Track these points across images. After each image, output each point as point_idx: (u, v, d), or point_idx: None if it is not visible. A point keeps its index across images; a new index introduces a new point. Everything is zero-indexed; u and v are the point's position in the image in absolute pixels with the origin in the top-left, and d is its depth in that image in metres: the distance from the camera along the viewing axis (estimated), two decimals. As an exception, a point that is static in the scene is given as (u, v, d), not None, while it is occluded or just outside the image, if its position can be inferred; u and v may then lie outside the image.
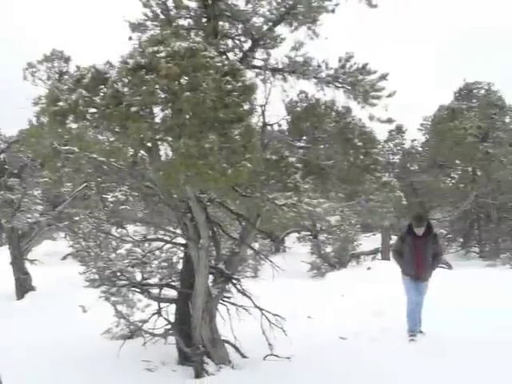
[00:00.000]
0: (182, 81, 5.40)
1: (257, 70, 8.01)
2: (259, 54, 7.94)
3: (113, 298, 8.81)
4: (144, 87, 5.23)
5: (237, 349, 8.03)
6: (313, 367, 7.62)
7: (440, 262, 9.75)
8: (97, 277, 8.71)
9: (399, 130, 33.40)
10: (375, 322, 10.67)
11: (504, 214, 28.10)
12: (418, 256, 8.95)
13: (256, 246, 14.55)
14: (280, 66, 7.88)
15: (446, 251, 24.96)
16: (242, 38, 7.95)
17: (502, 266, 23.71)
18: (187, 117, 5.31)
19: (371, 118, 7.69)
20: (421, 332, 9.12)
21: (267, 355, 7.97)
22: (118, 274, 8.32)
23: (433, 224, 9.59)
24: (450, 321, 9.14)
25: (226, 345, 7.92)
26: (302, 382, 6.97)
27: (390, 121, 7.80)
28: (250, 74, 7.49)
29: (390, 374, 7.27)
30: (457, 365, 7.51)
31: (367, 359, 8.07)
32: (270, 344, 7.91)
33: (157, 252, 9.28)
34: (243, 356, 8.04)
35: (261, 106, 7.66)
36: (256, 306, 7.98)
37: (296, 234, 28.97)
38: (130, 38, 7.44)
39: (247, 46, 7.90)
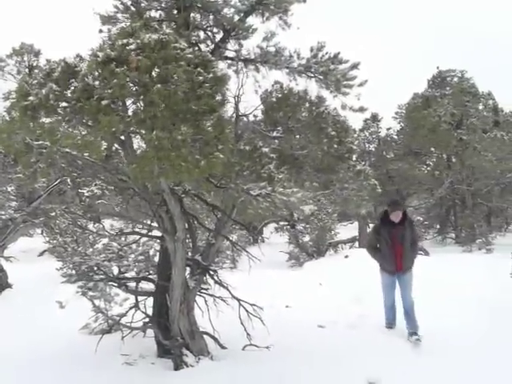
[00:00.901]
0: (152, 73, 5.38)
1: (229, 61, 8.00)
2: (231, 45, 7.92)
3: (90, 293, 8.77)
4: (114, 80, 5.19)
5: (216, 340, 8.04)
6: (292, 356, 7.66)
7: (418, 249, 9.36)
8: (73, 272, 8.67)
9: (374, 118, 33.68)
10: (353, 310, 10.78)
11: (479, 199, 28.44)
12: (396, 247, 8.59)
13: (234, 237, 14.57)
14: (252, 57, 7.87)
15: (423, 238, 25.23)
16: (214, 29, 7.93)
17: (477, 250, 24.08)
18: (159, 109, 5.28)
19: (343, 106, 7.74)
20: (417, 339, 8.29)
21: (246, 345, 8.01)
22: (95, 268, 8.27)
23: (407, 210, 9.27)
24: (428, 308, 9.21)
25: (204, 336, 7.92)
26: (281, 370, 7.00)
27: (362, 109, 7.85)
28: (222, 65, 7.51)
29: (369, 359, 7.35)
30: (435, 350, 7.65)
31: (345, 346, 8.15)
32: (248, 334, 7.93)
33: (133, 245, 9.27)
34: (222, 347, 8.06)
35: (234, 97, 7.67)
36: (233, 297, 8.00)
37: (274, 225, 29.05)
38: (101, 31, 7.40)
39: (219, 37, 7.89)
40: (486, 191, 28.36)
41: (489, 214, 29.82)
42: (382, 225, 8.72)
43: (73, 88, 5.51)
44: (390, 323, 9.06)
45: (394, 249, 8.58)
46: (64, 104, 5.64)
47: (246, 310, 8.08)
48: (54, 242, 16.55)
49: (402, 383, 6.45)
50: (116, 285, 8.36)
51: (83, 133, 5.99)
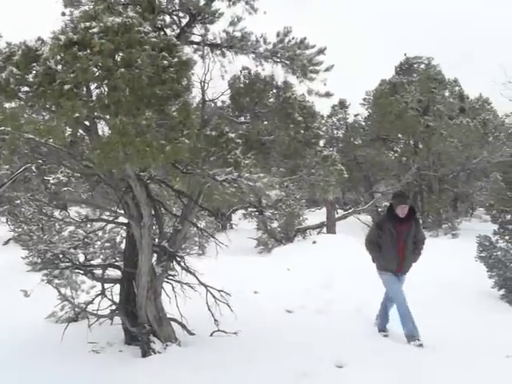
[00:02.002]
0: (116, 57, 5.29)
1: (195, 46, 7.94)
2: (197, 29, 7.84)
3: (56, 281, 8.69)
4: (77, 64, 5.09)
5: (183, 326, 8.03)
6: (260, 341, 7.71)
7: (422, 249, 8.14)
8: (39, 260, 8.56)
9: (342, 104, 33.79)
10: (321, 295, 10.89)
11: (445, 185, 28.78)
12: (400, 246, 7.83)
13: (202, 224, 14.54)
14: (218, 42, 7.82)
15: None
16: (180, 14, 7.83)
17: (443, 235, 24.47)
18: (123, 94, 5.21)
19: (310, 92, 7.74)
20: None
21: (214, 331, 8.03)
22: (61, 256, 8.17)
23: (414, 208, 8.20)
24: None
25: (172, 323, 7.90)
26: (249, 355, 7.03)
27: (328, 95, 7.87)
28: (187, 50, 7.44)
29: (336, 344, 7.42)
30: (401, 335, 7.76)
31: (313, 331, 8.25)
32: (216, 320, 7.95)
33: (99, 233, 9.19)
34: (190, 333, 8.05)
35: (200, 82, 7.62)
36: (201, 283, 7.99)
37: (242, 211, 29.08)
38: (63, 14, 7.23)
39: (185, 21, 7.79)
40: (452, 177, 28.74)
41: (455, 199, 30.23)
42: (387, 219, 7.94)
43: (34, 72, 5.38)
44: (413, 335, 7.60)
45: (397, 247, 7.83)
46: (26, 88, 5.52)
47: (214, 296, 8.09)
48: (19, 230, 16.27)
49: (368, 367, 6.51)
50: (82, 272, 8.27)
51: (46, 118, 5.87)
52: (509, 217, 10.92)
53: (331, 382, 6.11)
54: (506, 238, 10.87)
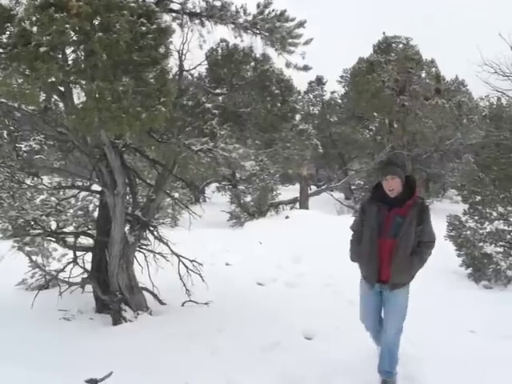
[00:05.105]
0: (94, 21, 5.20)
1: (174, 14, 7.80)
2: (177, -3, 7.74)
3: (27, 248, 8.63)
4: (54, 26, 4.99)
5: (155, 296, 8.05)
6: (230, 312, 7.79)
7: (428, 256, 5.25)
8: (9, 227, 8.46)
9: (319, 81, 33.86)
10: (292, 268, 10.99)
11: (418, 165, 29.02)
12: (384, 241, 5.12)
13: (176, 195, 14.51)
14: (198, 11, 7.71)
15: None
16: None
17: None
18: (100, 59, 5.13)
19: (288, 65, 7.70)
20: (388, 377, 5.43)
21: (185, 301, 8.08)
22: (32, 223, 8.09)
23: (417, 185, 5.33)
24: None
25: (143, 292, 7.93)
26: (220, 326, 7.10)
27: (306, 68, 7.83)
28: (166, 18, 7.31)
29: (306, 316, 7.51)
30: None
31: (284, 303, 8.35)
32: (187, 290, 7.99)
33: (72, 200, 9.12)
34: (161, 303, 8.09)
35: (178, 51, 7.56)
36: (173, 253, 8.01)
37: (216, 184, 29.10)
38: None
39: (164, -12, 7.69)
40: (425, 157, 28.96)
41: (427, 179, 30.50)
42: (372, 200, 5.31)
43: (8, 33, 5.27)
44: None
45: (376, 244, 5.17)
46: (-1, 50, 5.42)
47: (186, 266, 8.12)
48: (-10, 197, 16.05)
49: (336, 339, 6.61)
50: (54, 240, 8.22)
51: (20, 81, 5.76)
52: (479, 198, 11.08)
53: (300, 354, 6.18)
54: (476, 218, 11.03)
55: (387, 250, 5.10)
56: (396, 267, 5.08)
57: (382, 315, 5.52)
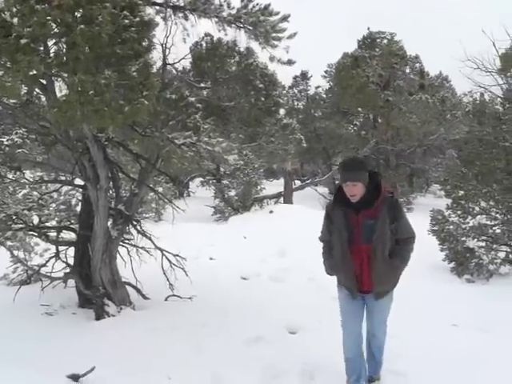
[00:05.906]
0: (76, 13, 5.14)
1: (157, 7, 7.75)
2: (160, -10, 7.70)
3: (9, 243, 8.54)
4: (35, 18, 4.93)
5: (138, 290, 8.03)
6: (213, 306, 7.79)
7: (410, 253, 4.79)
8: (-9, 222, 8.37)
9: (304, 76, 33.84)
10: (276, 263, 11.00)
11: (402, 160, 29.17)
12: (359, 248, 4.64)
13: (160, 189, 14.46)
14: (181, 4, 7.67)
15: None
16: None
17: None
18: (82, 51, 5.08)
19: (272, 59, 7.69)
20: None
21: (169, 296, 8.06)
22: (14, 217, 8.01)
23: (382, 182, 4.77)
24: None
25: (127, 287, 7.89)
26: (203, 320, 7.07)
27: (290, 62, 7.83)
28: (149, 11, 7.26)
29: (290, 310, 7.52)
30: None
31: (268, 298, 8.35)
32: (171, 284, 7.97)
33: (55, 194, 9.05)
34: (144, 297, 8.06)
35: (162, 44, 7.52)
36: (156, 247, 7.98)
37: (200, 179, 29.05)
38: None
39: (147, -20, 7.63)
40: (409, 152, 29.10)
41: (411, 174, 30.67)
42: (336, 204, 4.82)
43: (-12, 24, 5.20)
44: (358, 379, 5.07)
45: (348, 250, 4.68)
46: (-22, 41, 5.33)
47: (169, 261, 8.09)
48: (-29, 191, 15.91)
49: (320, 333, 6.62)
50: (36, 234, 8.15)
51: (0, 73, 5.69)
52: (462, 192, 11.15)
53: (283, 348, 6.18)
54: (459, 212, 11.11)
55: (364, 257, 4.63)
56: (377, 274, 4.63)
57: (365, 323, 5.12)
